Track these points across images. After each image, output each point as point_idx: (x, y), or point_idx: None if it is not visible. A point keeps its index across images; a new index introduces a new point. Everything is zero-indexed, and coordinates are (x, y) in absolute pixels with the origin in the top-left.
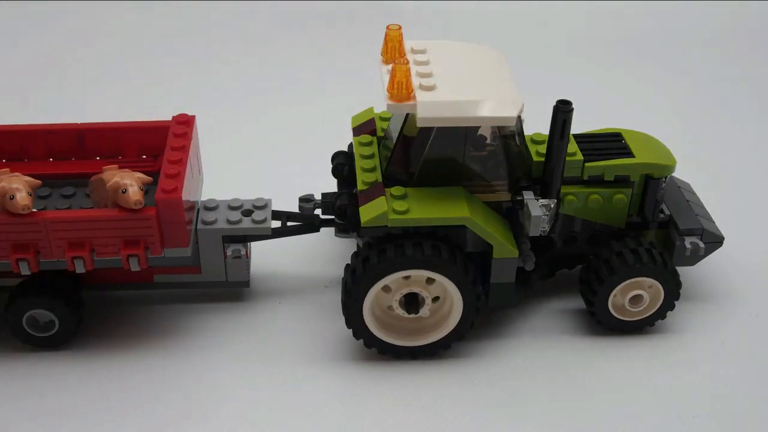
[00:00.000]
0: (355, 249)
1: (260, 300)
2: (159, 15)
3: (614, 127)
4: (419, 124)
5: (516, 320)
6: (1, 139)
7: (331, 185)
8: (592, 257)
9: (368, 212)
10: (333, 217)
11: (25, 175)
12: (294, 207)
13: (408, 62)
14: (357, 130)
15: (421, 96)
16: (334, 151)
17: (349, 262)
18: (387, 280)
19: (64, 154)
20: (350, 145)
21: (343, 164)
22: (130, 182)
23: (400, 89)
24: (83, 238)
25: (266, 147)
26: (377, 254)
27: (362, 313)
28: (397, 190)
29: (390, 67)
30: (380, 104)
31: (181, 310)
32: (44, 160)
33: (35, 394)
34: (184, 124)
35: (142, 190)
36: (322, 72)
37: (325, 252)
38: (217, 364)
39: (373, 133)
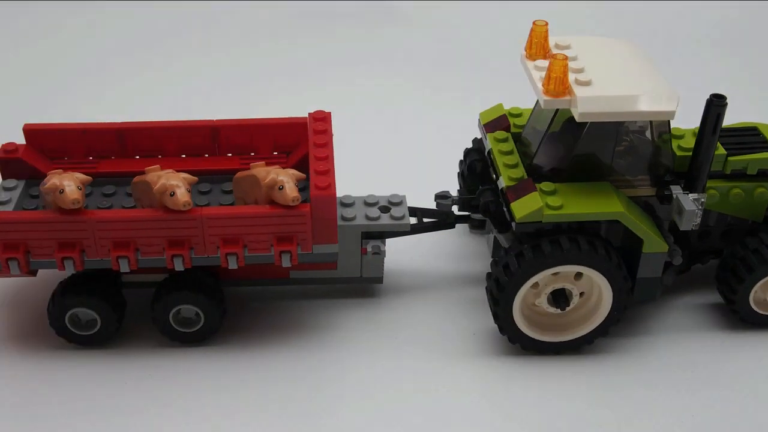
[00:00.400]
0: (487, 245)
1: (394, 296)
2: (284, 14)
3: (746, 122)
4: (579, 119)
5: (653, 316)
6: (137, 136)
7: (448, 180)
8: (732, 252)
9: (522, 208)
10: (468, 213)
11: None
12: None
13: (566, 57)
14: (489, 127)
15: (579, 91)
16: (465, 148)
17: (495, 260)
18: (539, 277)
19: (197, 151)
20: (479, 141)
21: (477, 161)
22: (286, 179)
23: (557, 85)
24: (237, 234)
25: (382, 143)
26: (531, 250)
27: (512, 309)
28: (547, 186)
29: (537, 62)
30: (509, 100)
31: (315, 305)
32: (177, 157)
33: (179, 388)
34: (323, 120)
35: (297, 186)
36: (444, 67)
37: (453, 248)
38: (353, 359)
39: (507, 129)
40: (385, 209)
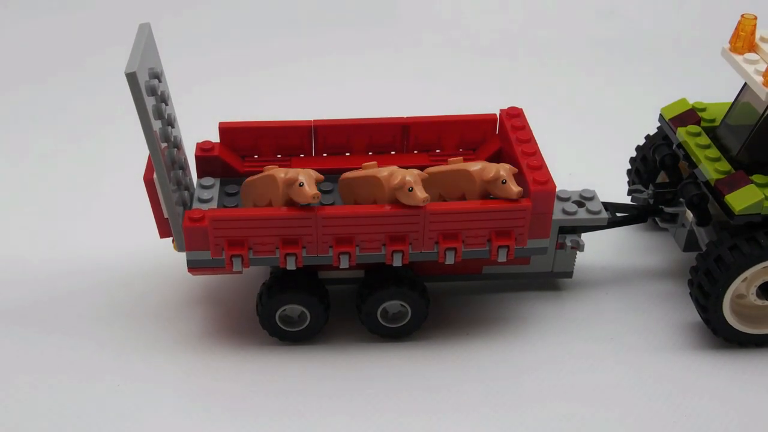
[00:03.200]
0: (674, 239)
1: (583, 290)
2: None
3: None
4: None
5: None
6: (328, 133)
7: (615, 176)
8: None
9: (741, 201)
10: (661, 206)
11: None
12: None
13: None
14: (676, 121)
15: None
16: (641, 145)
17: (703, 254)
18: (751, 269)
19: (385, 148)
20: (662, 136)
21: (668, 155)
22: (506, 174)
23: None
24: (458, 229)
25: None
26: (747, 243)
27: (723, 302)
28: (760, 178)
29: (746, 56)
30: (693, 95)
31: (505, 299)
32: (365, 154)
33: (369, 378)
34: (518, 116)
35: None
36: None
37: (634, 243)
38: (549, 351)
39: (697, 123)
40: (579, 204)
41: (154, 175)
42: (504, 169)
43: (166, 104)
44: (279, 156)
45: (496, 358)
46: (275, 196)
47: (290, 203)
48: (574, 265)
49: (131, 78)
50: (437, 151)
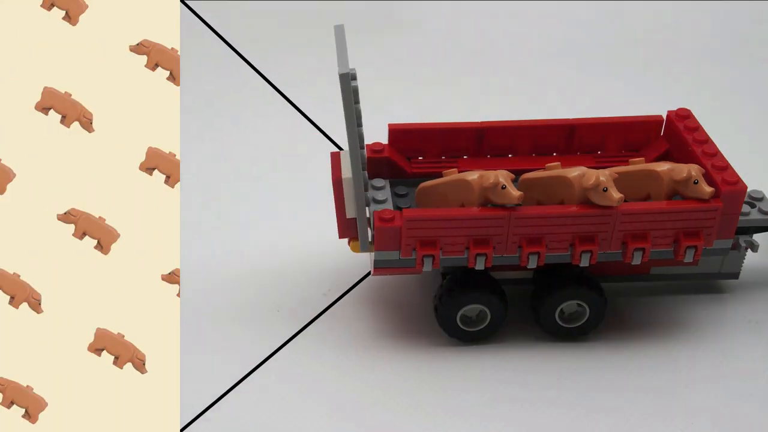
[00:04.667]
0: None
1: (743, 292)
2: None
3: None
4: None
5: None
6: (494, 135)
7: None
8: None
9: None
10: None
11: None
12: None
13: None
14: None
15: None
16: None
17: None
18: None
19: (548, 150)
20: None
21: None
22: (697, 174)
23: None
24: (647, 229)
25: None
26: None
27: None
28: None
29: None
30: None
31: (672, 301)
32: (528, 156)
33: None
34: (689, 117)
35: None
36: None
37: None
38: (699, 361)
39: None
40: (751, 205)
41: (347, 175)
42: (695, 170)
43: (358, 104)
44: (443, 157)
45: (659, 361)
46: (469, 199)
47: (484, 206)
48: (741, 265)
49: (344, 79)
50: (598, 152)
